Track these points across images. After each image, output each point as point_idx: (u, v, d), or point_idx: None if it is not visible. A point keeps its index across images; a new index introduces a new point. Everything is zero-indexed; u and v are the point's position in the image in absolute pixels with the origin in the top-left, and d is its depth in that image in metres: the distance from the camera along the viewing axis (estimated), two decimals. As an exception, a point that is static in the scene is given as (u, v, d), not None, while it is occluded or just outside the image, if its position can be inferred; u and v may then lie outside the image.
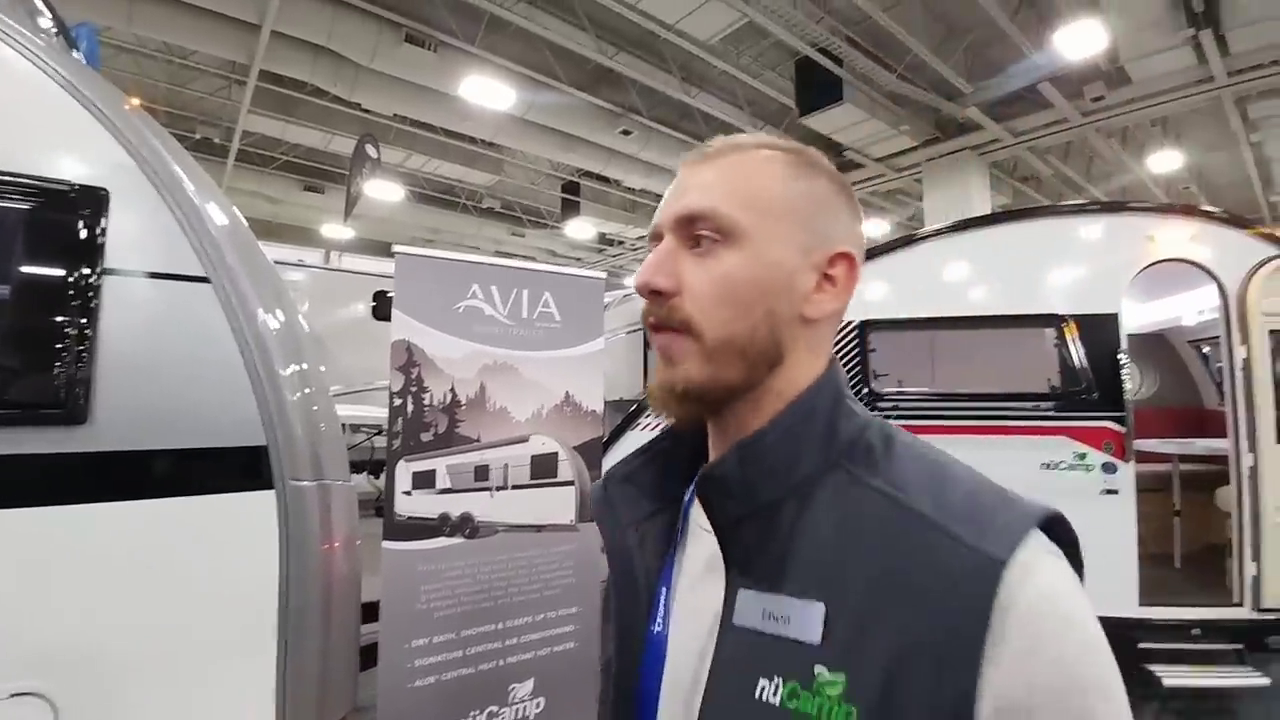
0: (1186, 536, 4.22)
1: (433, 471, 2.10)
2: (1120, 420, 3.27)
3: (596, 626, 2.41)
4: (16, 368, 1.40)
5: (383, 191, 11.15)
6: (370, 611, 1.95)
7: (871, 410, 0.61)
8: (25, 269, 1.44)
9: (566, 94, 8.34)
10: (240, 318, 1.54)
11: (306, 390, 1.63)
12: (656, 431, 0.68)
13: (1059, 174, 11.13)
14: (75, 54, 2.14)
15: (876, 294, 3.80)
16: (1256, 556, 3.17)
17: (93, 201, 1.46)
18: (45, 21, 2.00)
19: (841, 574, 0.51)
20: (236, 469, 1.52)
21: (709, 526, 0.59)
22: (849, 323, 3.65)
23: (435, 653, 2.05)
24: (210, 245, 1.55)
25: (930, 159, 9.95)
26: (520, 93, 8.10)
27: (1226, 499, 3.45)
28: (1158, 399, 5.59)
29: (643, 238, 14.91)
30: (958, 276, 3.77)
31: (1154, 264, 3.43)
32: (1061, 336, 3.43)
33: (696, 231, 0.58)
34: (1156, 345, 5.63)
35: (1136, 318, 4.89)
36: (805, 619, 0.51)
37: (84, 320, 1.40)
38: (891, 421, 0.61)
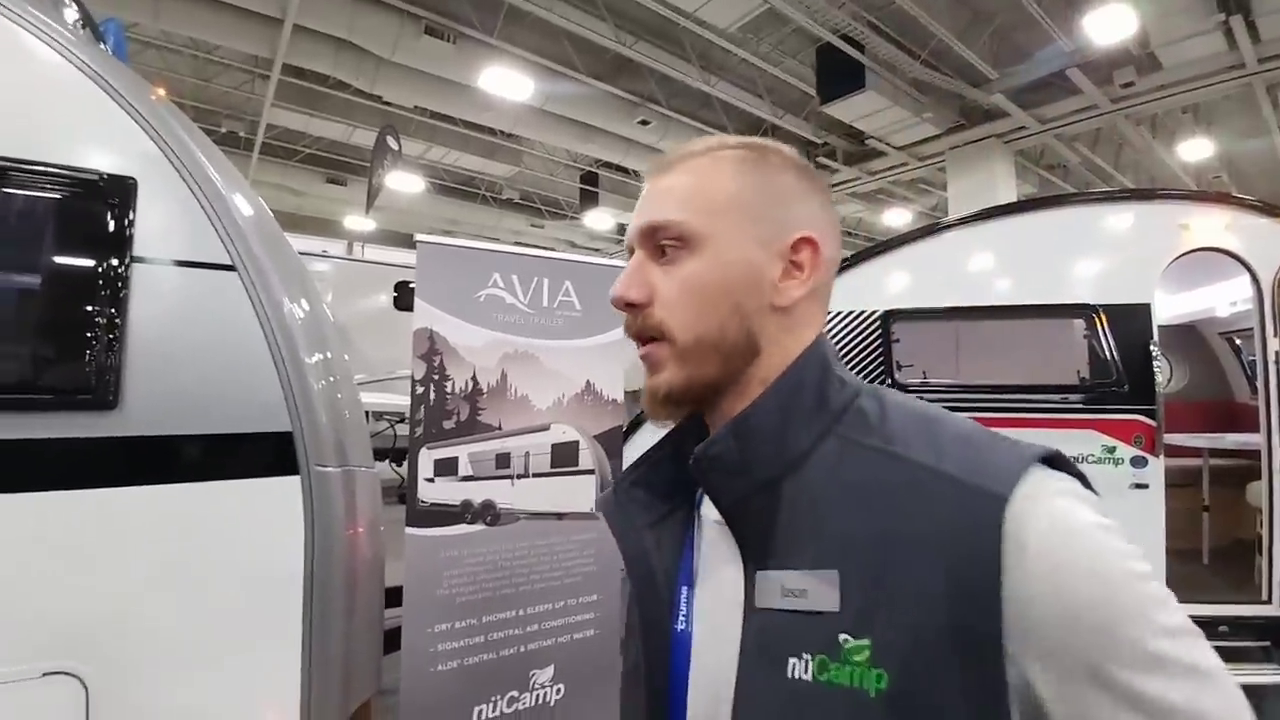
0: (1215, 532, 4.14)
1: (455, 459, 2.11)
2: (1151, 414, 3.19)
3: (616, 614, 2.42)
4: (49, 354, 1.43)
5: (403, 183, 11.21)
6: (394, 596, 1.97)
7: None
8: (56, 257, 1.47)
9: (585, 84, 8.31)
10: (265, 306, 1.55)
11: (331, 378, 1.65)
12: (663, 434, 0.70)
13: (1087, 162, 10.88)
14: (102, 47, 2.17)
15: (900, 284, 3.74)
16: (1287, 553, 3.11)
17: (121, 191, 1.48)
18: (71, 14, 2.02)
19: (850, 537, 0.52)
20: (262, 455, 1.54)
21: (720, 517, 0.59)
22: (872, 313, 3.60)
23: (457, 638, 2.08)
24: (236, 234, 1.56)
25: (954, 147, 9.76)
26: (539, 83, 8.09)
27: (1257, 494, 3.37)
28: (1187, 392, 5.48)
29: (662, 229, 14.88)
30: (983, 266, 3.70)
31: (1187, 253, 3.34)
32: (1091, 327, 3.35)
33: (660, 242, 0.61)
34: (1187, 337, 5.51)
35: (1167, 309, 4.79)
36: (822, 589, 0.51)
37: (114, 308, 1.42)
38: None
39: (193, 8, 6.69)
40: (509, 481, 2.20)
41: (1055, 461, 0.51)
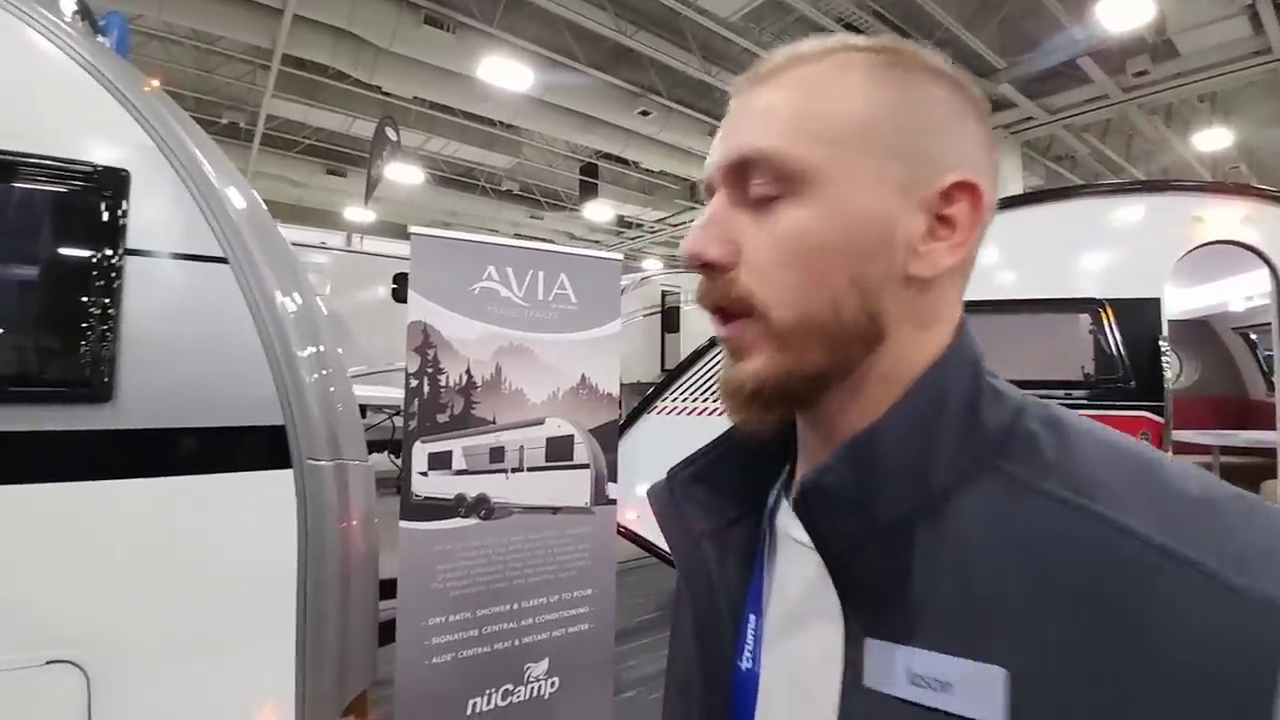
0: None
1: (449, 452, 2.12)
2: (1158, 410, 3.14)
3: (611, 608, 2.43)
4: (43, 347, 1.44)
5: (403, 174, 11.19)
6: (389, 588, 1.98)
7: None
8: (50, 249, 1.47)
9: (585, 74, 8.27)
10: (258, 299, 1.56)
11: (324, 371, 1.65)
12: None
13: (1096, 153, 10.73)
14: (99, 38, 2.17)
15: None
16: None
17: (114, 182, 1.48)
18: (69, 5, 2.01)
19: (1024, 623, 0.36)
20: (255, 448, 1.55)
21: (808, 539, 0.46)
22: None
23: (451, 631, 2.08)
24: (229, 226, 1.57)
25: (958, 138, 9.68)
26: (538, 74, 8.05)
27: (1273, 492, 3.35)
28: (1198, 388, 5.45)
29: (662, 220, 14.85)
30: (987, 259, 3.67)
31: (1201, 246, 3.29)
32: (1097, 322, 3.32)
33: (752, 182, 0.44)
34: (1199, 332, 5.48)
35: (1179, 303, 4.75)
36: (977, 689, 0.36)
37: (107, 300, 1.43)
38: None
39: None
40: (503, 475, 2.21)
41: None
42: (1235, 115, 9.46)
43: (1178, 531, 0.35)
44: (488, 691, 2.16)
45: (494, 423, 2.20)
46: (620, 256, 2.62)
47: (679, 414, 3.87)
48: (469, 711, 2.13)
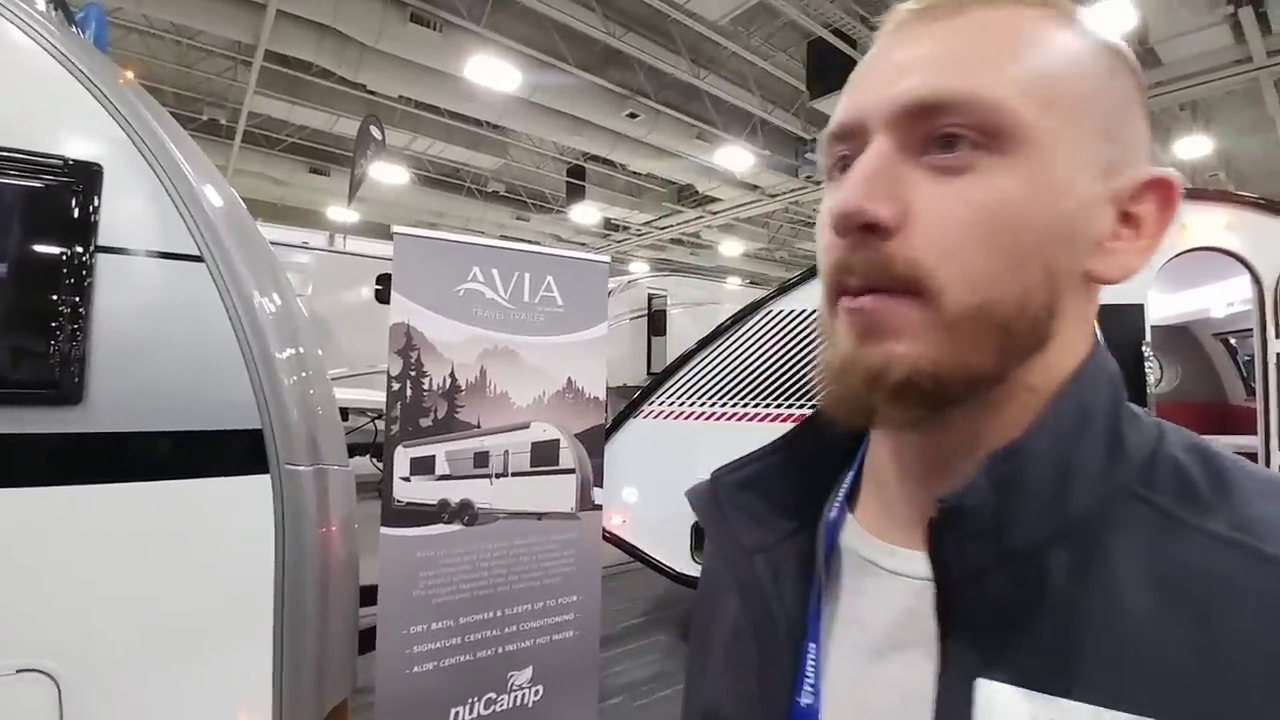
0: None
1: (432, 457, 2.08)
2: None
3: (596, 615, 2.40)
4: (10, 346, 1.39)
5: (387, 174, 11.11)
6: (370, 595, 1.95)
7: None
8: (18, 245, 1.42)
9: (573, 75, 8.25)
10: (235, 299, 1.52)
11: (303, 374, 1.61)
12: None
13: (1075, 160, 10.89)
14: (74, 29, 2.12)
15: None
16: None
17: (87, 177, 1.44)
18: (41, -6, 1.97)
19: (1190, 676, 0.31)
20: (231, 453, 1.51)
21: (884, 561, 0.42)
22: None
23: (434, 639, 2.05)
24: (205, 224, 1.53)
25: (943, 144, 9.78)
26: (526, 74, 8.02)
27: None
28: (1179, 393, 5.52)
29: (649, 223, 14.84)
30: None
31: (1184, 252, 3.33)
32: None
33: (945, 129, 0.36)
34: (1179, 337, 5.56)
35: (1160, 309, 4.81)
36: None
37: (78, 298, 1.39)
38: None
39: (174, -9, 6.58)
40: (487, 481, 2.18)
41: None
42: (1215, 123, 9.64)
43: None
44: (470, 700, 2.13)
45: (478, 427, 2.17)
46: (607, 259, 2.60)
47: (666, 418, 3.86)
48: (451, 721, 2.10)
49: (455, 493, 2.11)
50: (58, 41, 1.49)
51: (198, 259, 1.51)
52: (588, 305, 2.41)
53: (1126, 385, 0.41)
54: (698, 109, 9.40)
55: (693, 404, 3.81)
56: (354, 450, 1.76)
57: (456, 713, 2.10)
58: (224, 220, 1.57)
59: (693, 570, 3.71)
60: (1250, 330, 3.47)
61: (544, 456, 2.29)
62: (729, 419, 3.72)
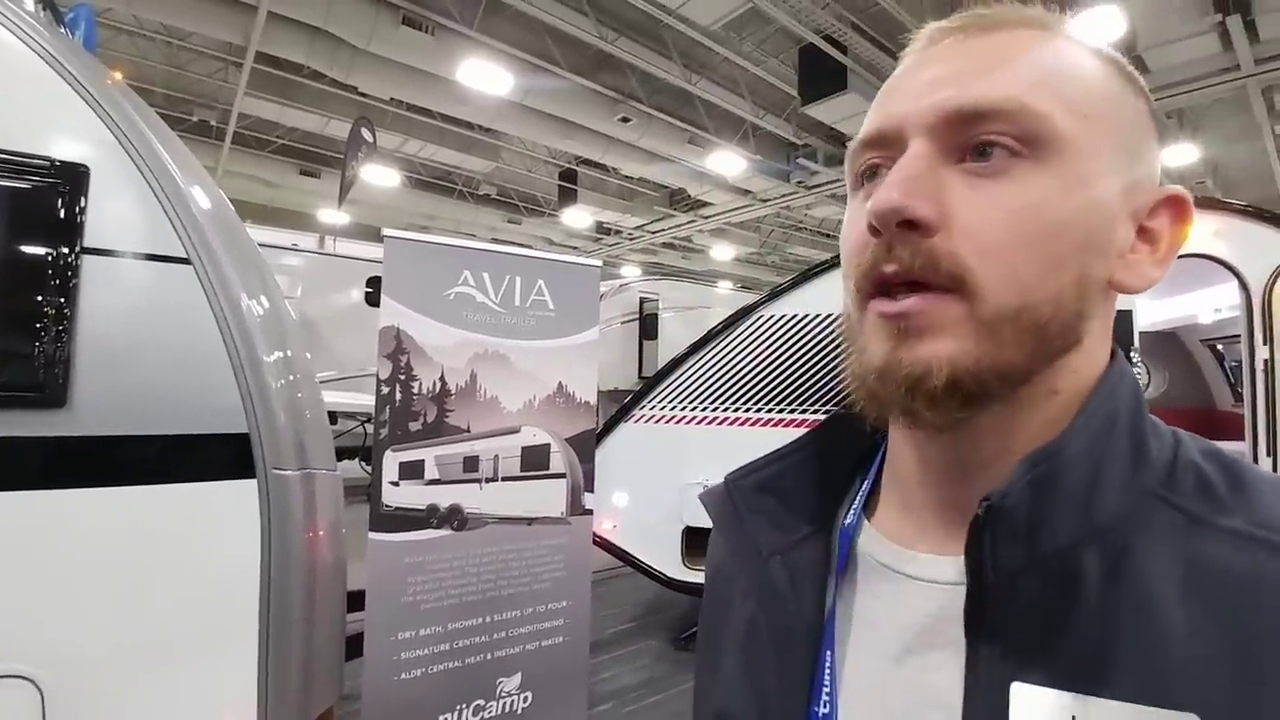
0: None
1: (421, 462, 2.07)
2: None
3: (586, 621, 2.39)
4: (-6, 348, 1.37)
5: (379, 177, 11.07)
6: (358, 600, 1.93)
7: None
8: (2, 246, 1.40)
9: (565, 79, 8.25)
10: (222, 301, 1.51)
11: (291, 377, 1.60)
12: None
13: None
14: (63, 29, 2.10)
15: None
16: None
17: (73, 178, 1.43)
18: (28, -7, 1.95)
19: (1223, 671, 0.32)
20: (218, 457, 1.49)
21: (904, 567, 0.42)
22: (831, 316, 3.58)
23: (422, 645, 2.04)
24: (193, 226, 1.52)
25: (933, 151, 9.83)
26: (518, 77, 8.02)
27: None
28: (1166, 399, 5.57)
29: (641, 227, 14.85)
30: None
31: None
32: None
33: (984, 137, 0.38)
34: (1167, 343, 5.60)
35: (1147, 315, 4.85)
36: None
37: (63, 299, 1.38)
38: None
39: (164, -8, 6.54)
40: (477, 485, 2.17)
41: None
42: (1203, 131, 9.72)
43: None
44: (459, 707, 2.11)
45: (468, 431, 2.16)
46: (599, 263, 2.60)
47: (657, 423, 3.85)
48: (439, 727, 2.08)
49: (444, 497, 2.10)
50: (45, 42, 1.48)
51: (185, 261, 1.50)
52: (579, 309, 2.41)
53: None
54: (690, 114, 9.42)
55: (684, 409, 3.81)
56: (343, 454, 1.76)
57: (444, 719, 2.09)
58: (212, 222, 1.55)
59: (683, 575, 3.70)
60: (1237, 336, 3.50)
61: (534, 461, 2.28)
62: (721, 424, 3.73)
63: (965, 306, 0.37)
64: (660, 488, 3.71)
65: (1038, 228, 0.37)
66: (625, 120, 9.23)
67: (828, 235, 15.49)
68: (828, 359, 3.56)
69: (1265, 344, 3.23)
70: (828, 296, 3.61)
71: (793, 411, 3.60)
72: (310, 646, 1.59)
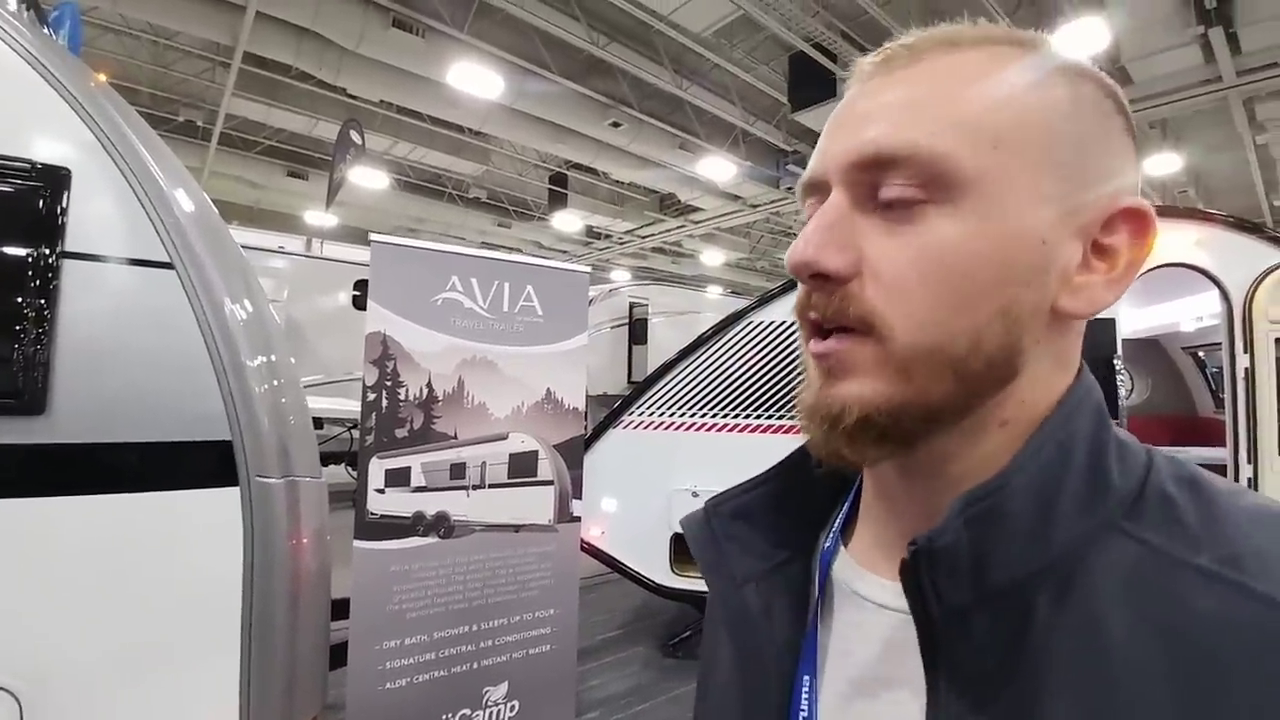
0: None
1: (407, 469, 2.05)
2: None
3: (573, 629, 2.38)
4: (-30, 354, 1.35)
5: (367, 179, 11.02)
6: (342, 608, 1.91)
7: None
8: (-20, 251, 1.38)
9: (556, 84, 8.25)
10: (205, 306, 1.49)
11: (275, 383, 1.58)
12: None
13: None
14: (47, 29, 2.07)
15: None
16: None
17: (54, 181, 1.41)
18: (10, -7, 1.92)
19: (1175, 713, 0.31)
20: (200, 465, 1.47)
21: (875, 595, 0.42)
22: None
23: (407, 654, 2.01)
24: (175, 230, 1.50)
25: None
26: (509, 81, 8.01)
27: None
28: (1149, 406, 5.63)
29: (631, 231, 14.87)
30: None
31: (1155, 268, 3.39)
32: None
33: (887, 184, 0.38)
34: (1150, 351, 5.67)
35: (1130, 323, 4.90)
36: None
37: (42, 304, 1.35)
38: None
39: (151, -9, 6.48)
40: (464, 493, 2.15)
41: None
42: (1185, 141, 9.86)
43: None
44: (445, 716, 2.09)
45: (455, 438, 2.15)
46: (588, 268, 2.59)
47: (646, 429, 3.84)
48: (424, 737, 2.06)
49: (431, 505, 2.08)
50: (27, 42, 1.46)
51: (167, 266, 1.48)
52: (568, 316, 2.40)
53: (1096, 398, 0.41)
54: (680, 119, 9.45)
55: (673, 414, 3.80)
56: (329, 459, 1.73)
57: (430, 729, 2.07)
58: (195, 226, 1.54)
59: (671, 582, 3.69)
60: (1219, 344, 3.54)
61: (522, 468, 2.26)
62: (710, 430, 3.72)
63: (878, 348, 0.38)
64: (649, 494, 3.70)
65: (942, 269, 0.37)
66: (616, 125, 9.24)
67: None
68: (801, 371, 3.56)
69: (1245, 352, 3.26)
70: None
71: (782, 418, 3.60)
72: (294, 655, 1.57)
